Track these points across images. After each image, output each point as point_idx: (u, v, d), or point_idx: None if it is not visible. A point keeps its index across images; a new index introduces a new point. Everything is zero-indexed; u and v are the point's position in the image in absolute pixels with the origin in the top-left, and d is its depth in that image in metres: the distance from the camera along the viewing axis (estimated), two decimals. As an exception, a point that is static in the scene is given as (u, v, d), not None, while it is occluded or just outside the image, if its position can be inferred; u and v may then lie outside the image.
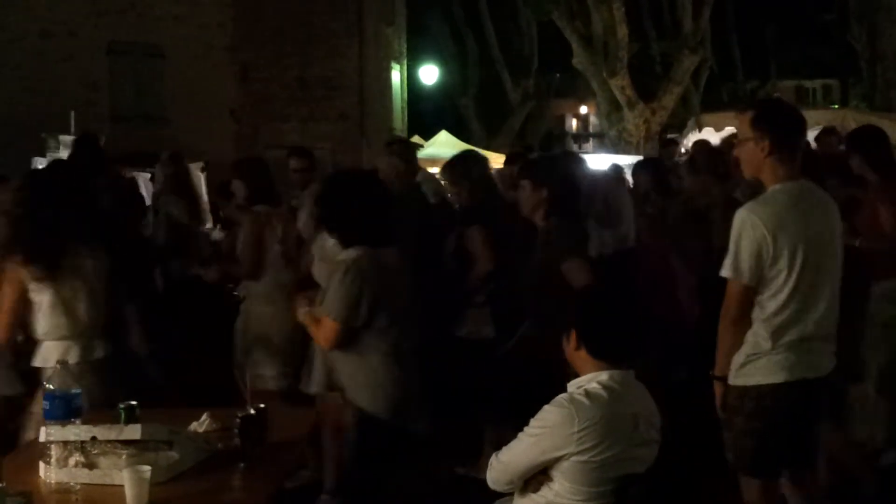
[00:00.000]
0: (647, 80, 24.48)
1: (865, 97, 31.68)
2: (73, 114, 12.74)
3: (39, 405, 3.94)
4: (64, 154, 11.54)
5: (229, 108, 19.93)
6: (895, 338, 5.60)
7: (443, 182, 7.01)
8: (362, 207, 4.32)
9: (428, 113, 32.76)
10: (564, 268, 5.06)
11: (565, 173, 5.77)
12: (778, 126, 3.93)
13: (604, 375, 3.24)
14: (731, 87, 37.88)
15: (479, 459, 5.55)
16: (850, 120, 13.10)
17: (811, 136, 10.10)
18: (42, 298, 4.12)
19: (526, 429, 3.23)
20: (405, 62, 27.96)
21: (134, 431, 3.20)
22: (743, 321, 3.92)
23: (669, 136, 18.03)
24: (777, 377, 3.89)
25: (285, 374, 5.75)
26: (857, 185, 5.87)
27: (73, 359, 4.07)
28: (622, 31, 21.68)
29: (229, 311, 6.15)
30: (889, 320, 5.60)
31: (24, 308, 4.12)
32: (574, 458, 3.12)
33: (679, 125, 21.54)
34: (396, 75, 26.47)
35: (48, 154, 11.96)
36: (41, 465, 3.21)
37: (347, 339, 4.24)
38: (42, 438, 3.21)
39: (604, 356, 3.26)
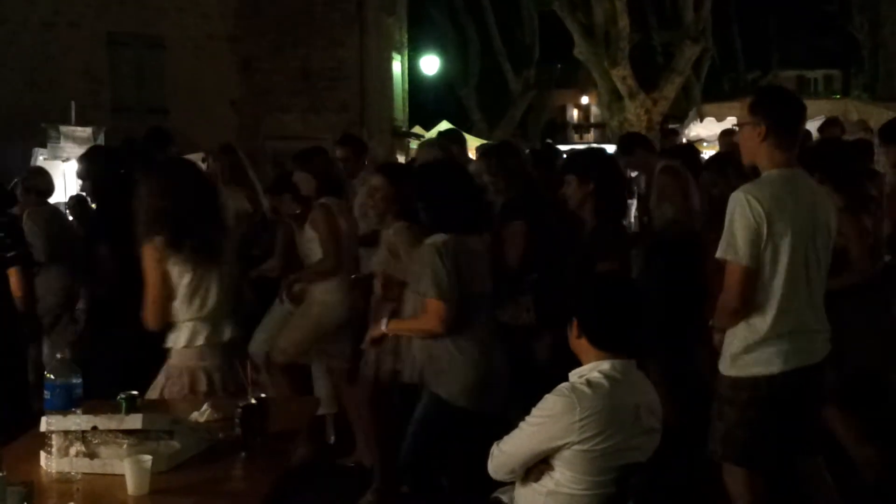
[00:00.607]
0: (649, 70, 24.41)
1: (867, 87, 31.66)
2: (73, 105, 12.72)
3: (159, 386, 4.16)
4: (65, 145, 11.55)
5: (230, 99, 19.90)
6: None
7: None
8: (455, 195, 4.53)
9: (429, 103, 32.75)
10: (599, 268, 5.18)
11: (609, 165, 5.82)
12: (775, 112, 3.93)
13: (605, 365, 3.24)
14: (733, 77, 37.83)
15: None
16: (851, 110, 13.08)
17: (814, 126, 10.11)
18: (179, 281, 4.15)
19: (527, 418, 3.23)
20: (406, 52, 27.91)
21: (135, 421, 3.20)
22: (745, 307, 3.89)
23: (671, 126, 17.98)
24: (772, 367, 3.89)
25: (348, 357, 5.89)
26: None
27: (200, 340, 4.16)
28: (623, 21, 21.62)
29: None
30: None
31: (167, 292, 4.16)
32: (575, 447, 3.13)
33: (680, 115, 21.50)
34: (397, 65, 26.43)
35: (49, 145, 11.93)
36: (42, 454, 3.21)
37: (455, 316, 4.34)
38: (43, 428, 3.20)
39: (605, 346, 3.26)
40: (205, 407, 3.71)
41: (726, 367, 4.01)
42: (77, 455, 3.14)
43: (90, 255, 5.57)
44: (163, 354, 4.27)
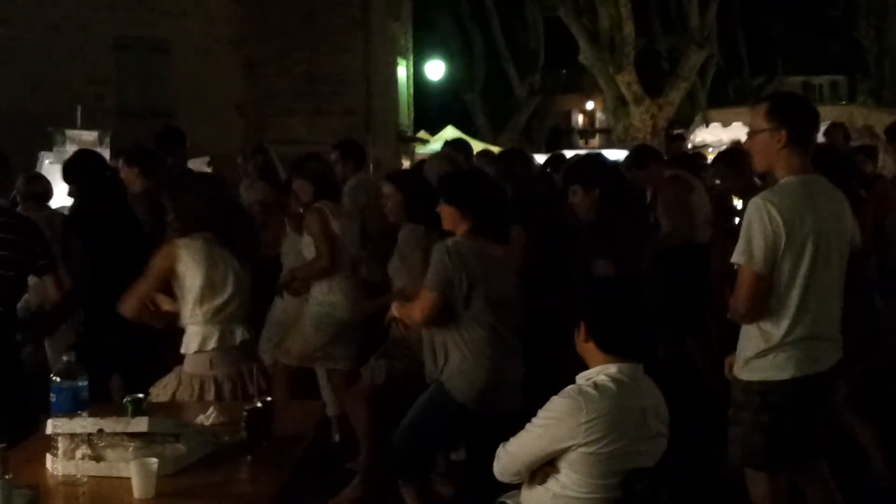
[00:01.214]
0: (654, 75, 24.45)
1: (873, 93, 31.65)
2: (79, 108, 12.73)
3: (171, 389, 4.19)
4: (71, 149, 11.55)
5: (235, 104, 19.92)
6: None
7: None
8: (479, 201, 4.63)
9: (434, 108, 32.75)
10: (593, 265, 5.26)
11: (611, 171, 5.88)
12: (794, 117, 3.92)
13: (612, 368, 3.24)
14: (738, 83, 37.84)
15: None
16: (857, 116, 13.12)
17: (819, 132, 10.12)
18: (193, 283, 4.18)
19: (534, 419, 3.23)
20: (411, 57, 27.93)
21: (141, 424, 3.20)
22: (753, 312, 3.89)
23: (676, 131, 18.00)
24: (784, 374, 3.89)
25: (329, 357, 6.08)
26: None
27: (211, 344, 4.20)
28: (628, 27, 21.65)
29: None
30: None
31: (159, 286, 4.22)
32: (581, 450, 3.12)
33: (685, 121, 21.56)
34: (402, 70, 26.45)
35: (55, 148, 11.94)
36: (48, 457, 3.21)
37: (442, 313, 4.45)
38: (49, 431, 3.20)
39: (612, 349, 3.26)
40: (210, 410, 3.72)
41: (739, 371, 4.01)
42: (83, 458, 3.14)
43: (64, 249, 5.61)
44: (157, 355, 4.29)
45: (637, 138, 21.71)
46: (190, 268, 4.18)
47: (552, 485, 3.22)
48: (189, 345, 4.23)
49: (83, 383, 3.44)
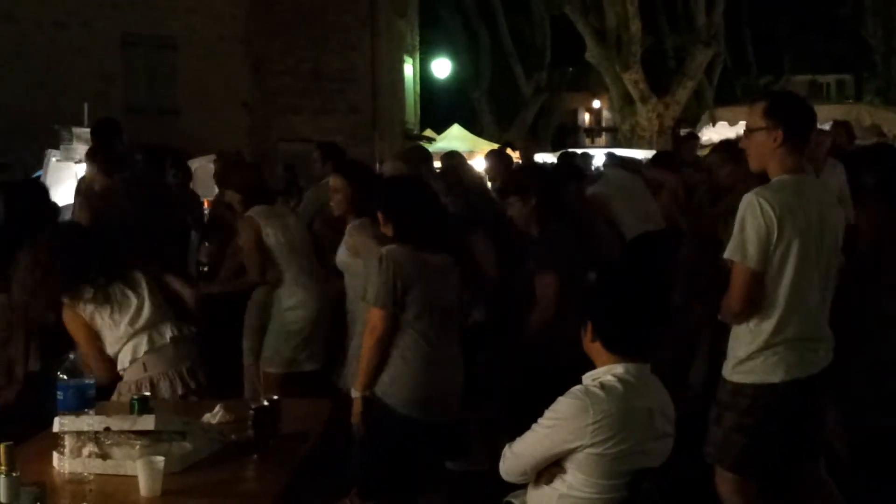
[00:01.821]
0: (661, 74, 24.43)
1: (880, 92, 31.62)
2: (86, 106, 12.73)
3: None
4: (77, 146, 11.56)
5: (242, 101, 19.94)
6: None
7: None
8: (416, 210, 4.57)
9: (440, 106, 32.75)
10: (536, 280, 5.22)
11: (549, 181, 5.84)
12: (791, 117, 3.92)
13: (619, 368, 3.23)
14: (745, 81, 37.76)
15: (471, 452, 5.61)
16: (864, 115, 13.07)
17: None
18: (101, 318, 4.28)
19: (540, 420, 3.22)
20: (417, 55, 27.95)
21: (147, 422, 3.21)
22: (748, 309, 3.88)
23: (685, 130, 17.96)
24: (774, 377, 3.88)
25: (314, 356, 6.02)
26: None
27: (142, 350, 4.29)
28: (635, 25, 21.63)
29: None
30: None
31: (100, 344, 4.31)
32: (588, 450, 3.11)
33: (692, 119, 21.50)
34: (409, 68, 26.46)
35: (61, 146, 11.95)
36: (55, 455, 3.22)
37: (392, 326, 4.38)
38: (56, 429, 3.21)
39: (618, 349, 3.25)
40: (217, 408, 3.72)
41: (728, 373, 4.00)
42: (90, 456, 3.15)
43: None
44: None
45: (643, 137, 21.72)
46: (88, 308, 4.27)
47: (558, 485, 3.21)
48: (123, 362, 4.30)
49: (90, 381, 3.45)
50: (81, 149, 11.04)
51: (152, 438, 3.20)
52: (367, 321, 4.47)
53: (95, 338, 4.28)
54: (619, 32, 21.98)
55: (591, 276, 4.64)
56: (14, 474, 2.77)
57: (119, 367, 4.30)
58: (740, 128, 13.00)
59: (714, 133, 14.72)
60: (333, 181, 5.65)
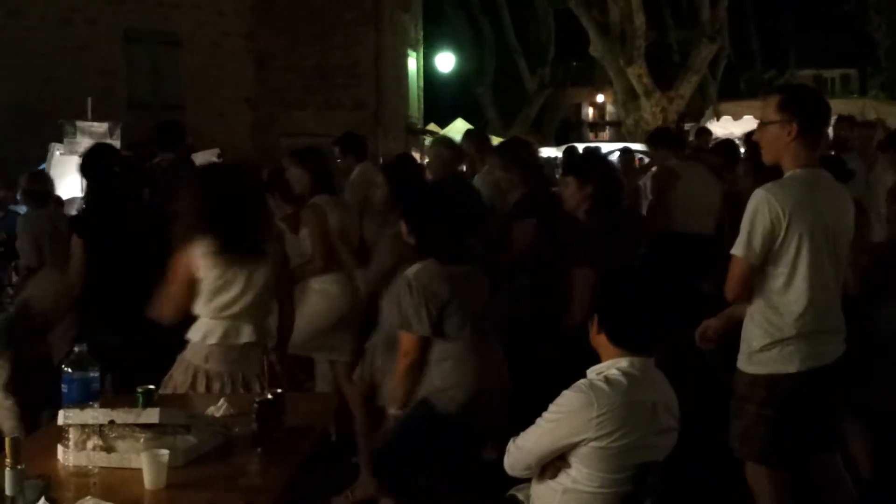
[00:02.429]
0: (665, 68, 24.34)
1: (884, 86, 31.56)
2: (90, 101, 12.76)
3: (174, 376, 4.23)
4: (81, 140, 11.59)
5: (245, 96, 19.94)
6: None
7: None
8: (443, 224, 4.53)
9: (444, 101, 32.75)
10: (574, 273, 5.17)
11: (608, 169, 5.83)
12: (806, 110, 3.91)
13: (623, 362, 3.23)
14: (749, 76, 37.68)
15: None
16: (869, 109, 13.04)
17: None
18: (205, 277, 4.19)
19: (544, 414, 3.23)
20: (421, 50, 27.91)
21: (152, 415, 3.20)
22: (740, 299, 3.99)
23: (689, 125, 17.94)
24: (789, 367, 3.89)
25: (349, 352, 5.96)
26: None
27: (213, 339, 4.21)
28: (639, 20, 21.55)
29: None
30: None
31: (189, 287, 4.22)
32: (592, 444, 3.12)
33: (696, 114, 21.46)
34: (413, 63, 26.42)
35: (65, 140, 11.98)
36: (59, 448, 3.22)
37: (425, 349, 4.36)
38: (60, 422, 3.21)
39: (623, 343, 3.26)
40: (221, 402, 3.73)
41: (744, 364, 4.01)
42: (94, 449, 3.15)
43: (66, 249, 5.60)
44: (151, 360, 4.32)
45: (647, 131, 21.65)
46: (206, 263, 4.18)
47: (563, 479, 3.22)
48: (194, 333, 4.25)
49: (94, 374, 3.45)
50: (85, 143, 11.09)
51: (156, 432, 3.20)
52: (401, 346, 4.44)
53: (189, 283, 4.19)
54: (623, 27, 21.91)
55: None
56: (19, 467, 2.77)
57: (189, 333, 4.24)
58: (744, 122, 13.00)
59: (718, 127, 14.71)
60: (293, 170, 5.88)
